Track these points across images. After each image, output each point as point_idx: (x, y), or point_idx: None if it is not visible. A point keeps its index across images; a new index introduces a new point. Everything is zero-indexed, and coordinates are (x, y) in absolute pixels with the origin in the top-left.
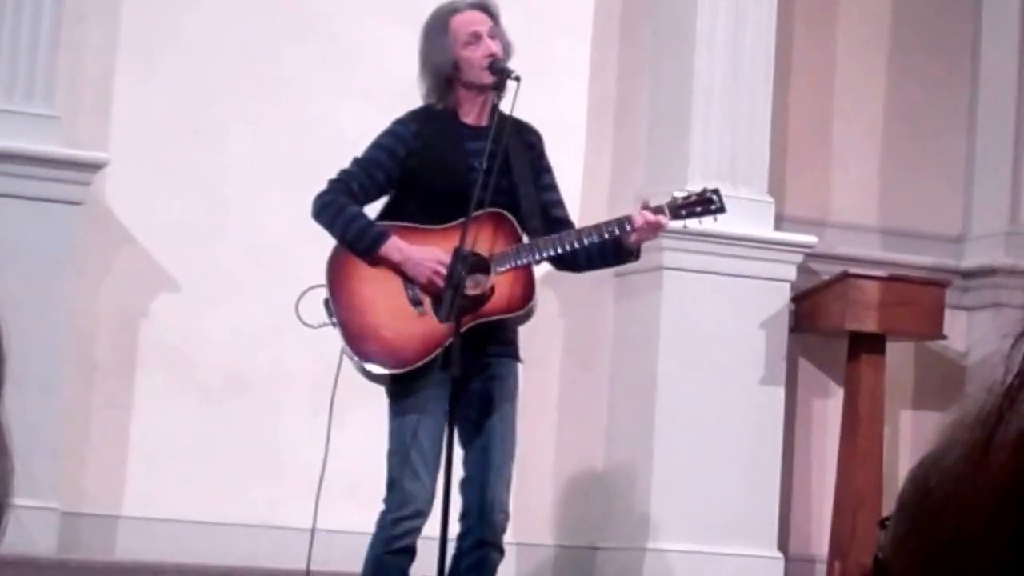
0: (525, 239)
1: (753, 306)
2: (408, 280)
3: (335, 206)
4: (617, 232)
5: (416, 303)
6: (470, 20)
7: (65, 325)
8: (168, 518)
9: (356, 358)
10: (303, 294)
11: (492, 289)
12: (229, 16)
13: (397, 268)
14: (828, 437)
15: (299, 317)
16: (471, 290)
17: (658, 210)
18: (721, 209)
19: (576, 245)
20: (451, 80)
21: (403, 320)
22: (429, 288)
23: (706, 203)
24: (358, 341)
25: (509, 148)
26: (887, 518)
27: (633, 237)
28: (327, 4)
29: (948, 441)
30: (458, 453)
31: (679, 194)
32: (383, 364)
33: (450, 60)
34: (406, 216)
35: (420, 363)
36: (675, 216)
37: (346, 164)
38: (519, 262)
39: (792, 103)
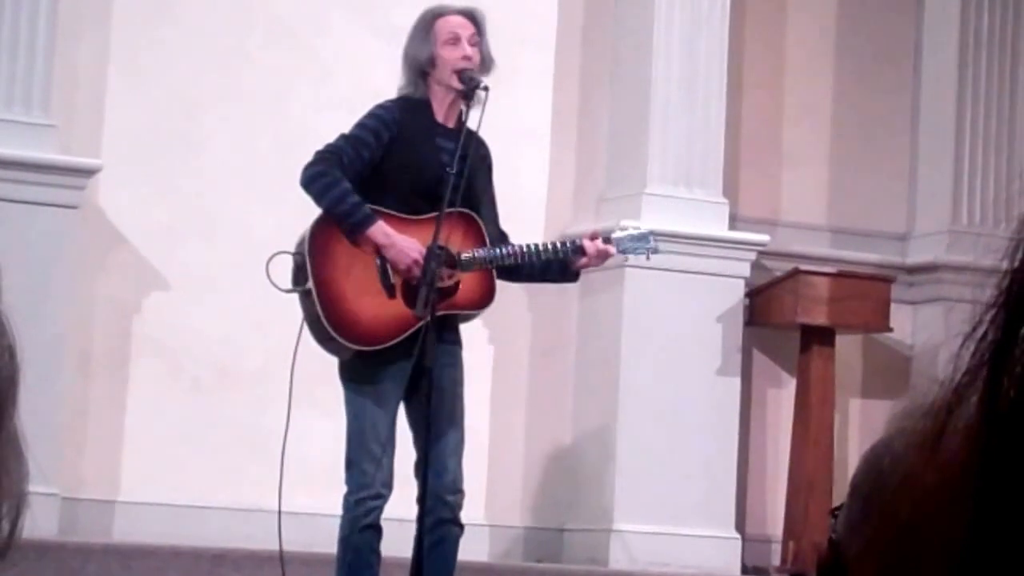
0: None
1: (709, 301)
2: (383, 263)
3: (329, 177)
4: (570, 253)
5: (388, 286)
6: (454, 23)
7: (63, 321)
8: (162, 503)
9: (330, 331)
10: (272, 257)
11: (458, 284)
12: (214, 30)
13: (375, 250)
14: (781, 424)
15: (270, 279)
16: (440, 283)
17: (607, 241)
18: (655, 250)
19: (533, 258)
20: (426, 75)
21: (375, 300)
22: (406, 274)
23: (641, 240)
24: (331, 314)
25: (472, 158)
26: (838, 507)
27: (583, 261)
28: (306, 18)
29: (898, 429)
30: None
31: (622, 233)
32: (353, 340)
33: (428, 56)
34: (377, 201)
35: (388, 344)
36: (619, 249)
37: (338, 137)
38: (487, 263)
39: (744, 110)
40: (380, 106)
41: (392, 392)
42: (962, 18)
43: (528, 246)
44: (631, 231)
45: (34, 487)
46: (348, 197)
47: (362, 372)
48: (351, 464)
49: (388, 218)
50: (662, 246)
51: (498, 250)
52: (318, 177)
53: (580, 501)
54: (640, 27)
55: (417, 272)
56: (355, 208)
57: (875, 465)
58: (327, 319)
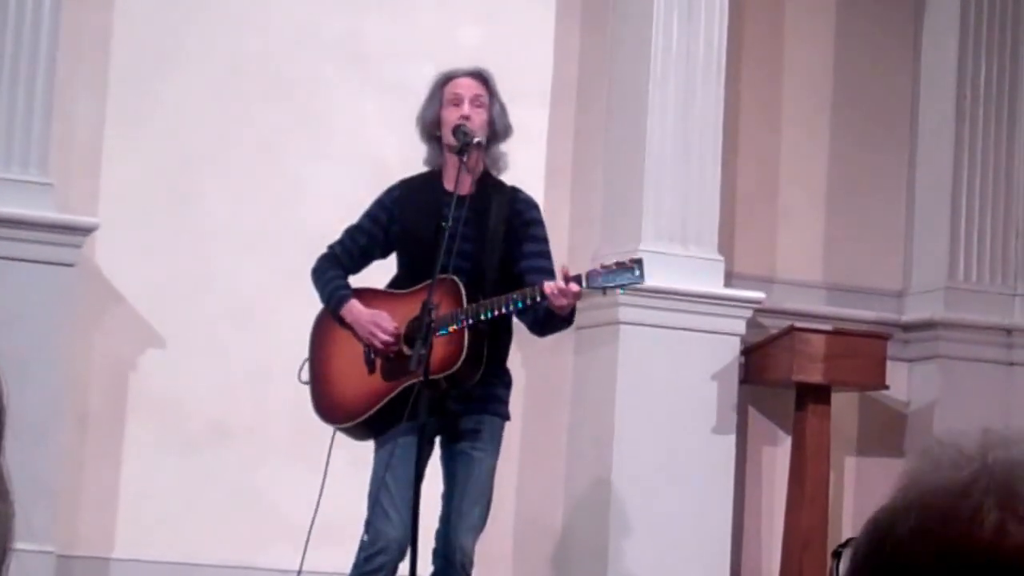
0: (465, 304)
1: (705, 359)
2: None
3: (318, 271)
4: (536, 298)
5: (369, 363)
6: (459, 84)
7: (59, 378)
8: (156, 560)
9: (316, 414)
10: (304, 363)
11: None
12: (209, 87)
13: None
14: (777, 482)
15: (300, 379)
16: (408, 351)
17: (576, 278)
18: (639, 279)
19: (499, 311)
20: (437, 140)
21: (353, 378)
22: (370, 347)
23: (627, 271)
24: (315, 396)
25: (489, 213)
26: (843, 544)
27: (548, 303)
28: (301, 74)
29: (904, 505)
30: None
31: (606, 263)
32: (327, 418)
33: (432, 118)
34: (398, 280)
35: (360, 418)
36: (591, 284)
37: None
38: (452, 326)
39: (740, 166)
40: (386, 190)
41: (407, 453)
42: (959, 74)
43: (498, 299)
44: (612, 263)
45: (29, 544)
46: (327, 285)
47: (381, 436)
48: (368, 521)
49: (376, 295)
50: (660, 303)
51: (466, 310)
52: (313, 273)
53: (574, 560)
54: (635, 83)
55: (377, 343)
56: (332, 293)
57: (878, 548)
58: (313, 404)
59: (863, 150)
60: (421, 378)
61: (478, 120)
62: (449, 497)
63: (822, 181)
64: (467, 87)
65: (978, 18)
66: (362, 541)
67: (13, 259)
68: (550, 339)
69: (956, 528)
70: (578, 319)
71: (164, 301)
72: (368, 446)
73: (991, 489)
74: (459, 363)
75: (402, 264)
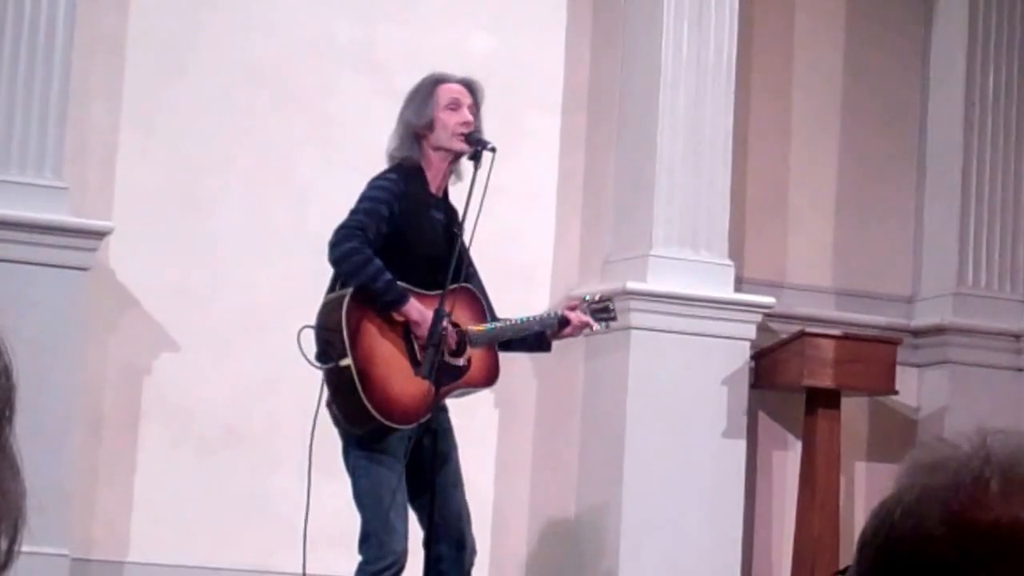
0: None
1: (715, 364)
2: (411, 339)
3: (363, 255)
4: (555, 325)
5: (416, 362)
6: (455, 89)
7: (74, 382)
8: (170, 563)
9: (371, 410)
10: (301, 330)
11: (469, 361)
12: (224, 94)
13: (404, 326)
14: (787, 487)
15: (304, 356)
16: (455, 361)
17: (584, 311)
18: (613, 318)
19: (526, 329)
20: (420, 140)
21: (405, 377)
22: (437, 351)
23: (604, 311)
24: (372, 392)
25: (455, 218)
26: (842, 571)
27: (566, 331)
28: (314, 81)
29: (908, 485)
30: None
31: (588, 298)
32: (388, 416)
33: (427, 119)
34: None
35: (421, 419)
36: (596, 319)
37: (355, 212)
38: (496, 339)
39: (749, 171)
40: (384, 178)
41: (399, 458)
42: (967, 78)
43: (522, 319)
44: (594, 301)
45: (44, 548)
46: (381, 275)
47: (376, 441)
48: (368, 534)
49: (412, 294)
50: (670, 308)
51: (501, 325)
52: (350, 254)
53: (585, 565)
54: (645, 90)
55: (451, 347)
56: (389, 286)
57: (886, 518)
58: (369, 399)
59: (872, 155)
60: (462, 389)
61: (473, 126)
62: (446, 499)
63: (831, 186)
64: (463, 94)
65: (987, 25)
66: (364, 555)
67: (27, 263)
68: (561, 345)
69: (961, 492)
70: None
71: (178, 305)
72: None
73: (992, 460)
74: (498, 377)
75: (404, 261)
